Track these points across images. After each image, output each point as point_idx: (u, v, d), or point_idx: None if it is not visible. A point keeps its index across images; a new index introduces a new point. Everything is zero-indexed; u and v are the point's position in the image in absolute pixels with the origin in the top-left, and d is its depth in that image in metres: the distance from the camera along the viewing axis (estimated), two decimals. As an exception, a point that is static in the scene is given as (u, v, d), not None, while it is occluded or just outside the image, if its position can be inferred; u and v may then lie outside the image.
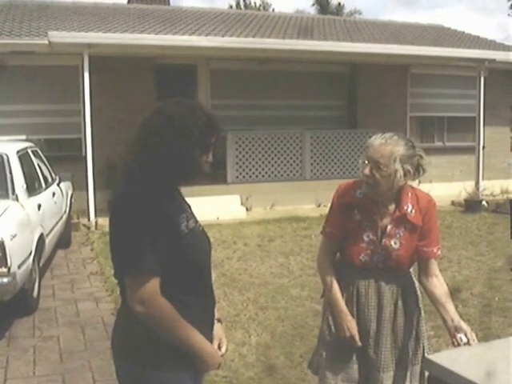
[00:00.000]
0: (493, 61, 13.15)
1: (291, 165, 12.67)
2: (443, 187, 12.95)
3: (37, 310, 5.91)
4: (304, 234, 9.81)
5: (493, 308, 5.98)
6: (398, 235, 2.81)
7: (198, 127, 2.06)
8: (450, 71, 14.50)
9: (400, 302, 2.88)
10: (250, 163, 12.28)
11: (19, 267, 5.17)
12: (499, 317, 5.70)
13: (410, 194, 2.84)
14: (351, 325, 2.82)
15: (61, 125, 11.71)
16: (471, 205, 12.25)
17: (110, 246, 2.08)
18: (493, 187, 14.16)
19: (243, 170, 12.24)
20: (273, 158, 12.48)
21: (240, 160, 12.14)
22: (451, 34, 17.50)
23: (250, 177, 12.32)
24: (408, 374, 2.91)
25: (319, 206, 12.44)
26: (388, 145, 2.68)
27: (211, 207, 10.73)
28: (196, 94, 12.56)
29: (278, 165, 12.54)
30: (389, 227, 2.81)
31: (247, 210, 11.79)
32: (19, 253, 5.24)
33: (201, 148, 2.10)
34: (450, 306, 2.79)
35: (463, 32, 18.35)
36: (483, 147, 13.48)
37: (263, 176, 12.43)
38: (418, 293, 2.98)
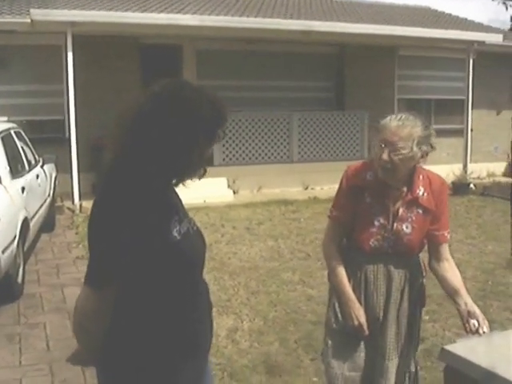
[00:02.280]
0: (482, 43, 13.05)
1: (278, 147, 12.52)
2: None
3: (21, 296, 5.74)
4: (293, 217, 9.70)
5: (487, 292, 5.92)
6: (409, 219, 2.69)
7: (207, 116, 1.81)
8: (438, 53, 14.37)
9: (407, 287, 2.77)
10: (236, 145, 12.11)
11: (3, 252, 5.00)
12: (494, 300, 5.65)
13: (421, 177, 2.71)
14: (359, 313, 2.70)
15: (43, 106, 11.42)
16: (459, 187, 12.19)
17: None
18: (480, 170, 14.16)
19: (230, 152, 12.07)
20: (260, 140, 12.31)
21: (227, 142, 11.96)
22: (439, 16, 17.32)
23: (237, 159, 12.16)
24: (408, 360, 2.84)
25: (306, 188, 12.36)
26: (406, 126, 2.53)
27: (198, 190, 10.28)
28: (181, 73, 12.33)
29: (266, 147, 12.38)
30: (400, 211, 2.68)
31: (234, 192, 11.64)
32: (3, 237, 5.07)
33: (207, 141, 1.86)
34: (462, 290, 2.70)
35: (450, 14, 18.17)
36: (471, 130, 13.42)
37: (250, 158, 12.28)
38: (424, 277, 2.88)
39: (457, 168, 12.80)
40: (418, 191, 2.69)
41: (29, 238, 6.33)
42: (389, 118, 2.58)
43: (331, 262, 2.81)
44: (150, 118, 1.79)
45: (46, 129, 11.70)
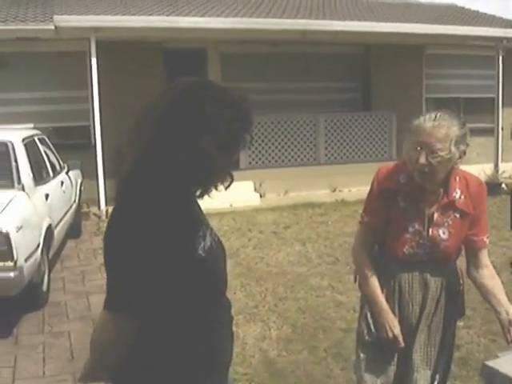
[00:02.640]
0: (511, 39, 12.74)
1: (305, 149, 12.36)
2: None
3: (46, 304, 5.68)
4: (320, 220, 9.53)
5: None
6: (446, 224, 2.52)
7: (233, 119, 1.65)
8: (466, 51, 14.07)
9: (443, 296, 2.61)
10: (262, 148, 11.99)
11: (26, 260, 4.92)
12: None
13: (457, 178, 2.54)
14: (394, 324, 2.54)
15: (69, 112, 11.45)
16: (491, 188, 11.83)
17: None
18: (511, 170, 13.84)
19: (256, 155, 11.95)
20: (286, 143, 12.17)
21: (253, 145, 11.78)
22: (466, 13, 17.00)
23: (263, 162, 12.03)
24: (438, 371, 2.69)
25: (334, 190, 12.18)
26: (442, 126, 2.34)
27: (224, 195, 10.27)
28: (206, 77, 12.22)
29: (292, 149, 12.24)
30: (436, 215, 2.52)
31: (261, 196, 11.51)
32: (26, 245, 4.99)
33: (234, 145, 1.70)
34: (503, 298, 2.53)
35: (478, 11, 17.85)
36: (502, 128, 13.13)
37: (276, 161, 12.14)
38: (462, 285, 2.72)
39: (488, 168, 12.50)
40: (454, 194, 2.53)
41: (54, 245, 6.27)
42: (422, 118, 2.39)
43: (363, 270, 2.65)
44: (175, 118, 1.63)
45: (72, 135, 11.71)
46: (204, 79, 1.80)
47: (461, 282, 2.71)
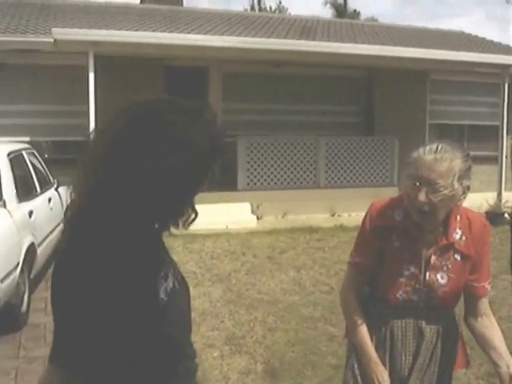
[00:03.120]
0: (517, 67, 12.59)
1: (305, 172, 12.16)
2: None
3: (25, 325, 5.42)
4: (317, 245, 9.27)
5: (525, 334, 5.42)
6: (445, 267, 2.26)
7: (199, 146, 1.42)
8: (471, 78, 13.96)
9: (439, 346, 2.35)
10: (261, 169, 11.78)
11: (2, 281, 4.68)
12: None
13: (458, 217, 2.28)
14: (383, 377, 2.26)
15: (67, 126, 11.25)
16: (493, 217, 11.61)
17: None
18: (514, 199, 13.62)
19: (254, 176, 11.74)
20: (285, 165, 11.97)
21: (251, 166, 11.66)
22: (472, 40, 16.90)
23: (262, 184, 11.82)
24: None
25: (333, 215, 11.96)
26: (444, 160, 2.07)
27: (220, 215, 10.24)
28: (207, 96, 12.09)
29: (291, 172, 12.03)
30: (433, 258, 2.26)
31: (258, 218, 11.26)
32: (3, 265, 4.76)
33: (198, 178, 1.47)
34: (504, 350, 2.27)
35: (484, 38, 17.73)
36: (505, 157, 12.92)
37: (275, 183, 11.93)
38: (458, 332, 2.46)
39: (490, 196, 12.26)
40: (454, 235, 2.26)
41: (37, 264, 6.02)
42: (422, 149, 2.12)
43: (351, 316, 2.39)
44: (126, 148, 1.39)
45: (71, 149, 11.51)
46: (163, 97, 1.55)
47: (459, 330, 2.45)
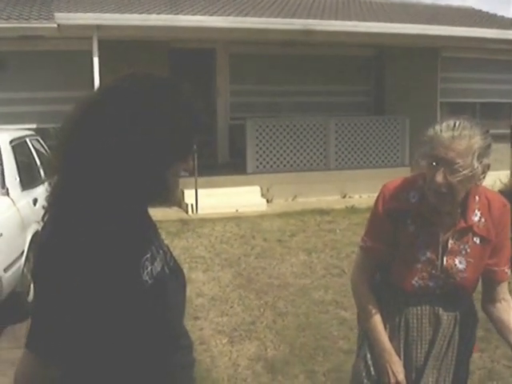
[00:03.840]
0: (530, 43, 12.33)
1: (315, 154, 11.99)
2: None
3: (32, 315, 5.36)
4: (328, 228, 9.15)
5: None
6: (463, 252, 2.12)
7: (182, 122, 1.39)
8: (483, 55, 13.68)
9: (456, 332, 2.22)
10: (270, 152, 11.63)
11: (6, 270, 4.61)
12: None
13: (477, 198, 2.12)
14: (398, 368, 2.15)
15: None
16: (506, 196, 11.37)
17: None
18: (528, 177, 13.42)
19: (264, 159, 11.60)
20: (295, 147, 11.81)
21: (260, 149, 11.52)
22: (483, 16, 16.58)
23: (271, 167, 11.68)
24: None
25: (344, 197, 11.82)
26: (463, 138, 1.91)
27: (230, 199, 10.14)
28: (214, 78, 11.95)
29: (301, 154, 11.87)
30: (450, 242, 2.11)
31: (268, 201, 11.13)
32: (7, 254, 4.68)
33: (182, 151, 1.44)
34: None
35: (495, 14, 17.42)
36: (519, 134, 12.71)
37: (285, 166, 11.78)
38: (477, 318, 2.33)
39: (504, 175, 12.08)
40: (473, 217, 2.12)
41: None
42: (438, 127, 1.95)
43: (362, 303, 2.27)
44: (107, 124, 1.35)
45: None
46: (145, 72, 1.48)
47: (477, 316, 2.33)
